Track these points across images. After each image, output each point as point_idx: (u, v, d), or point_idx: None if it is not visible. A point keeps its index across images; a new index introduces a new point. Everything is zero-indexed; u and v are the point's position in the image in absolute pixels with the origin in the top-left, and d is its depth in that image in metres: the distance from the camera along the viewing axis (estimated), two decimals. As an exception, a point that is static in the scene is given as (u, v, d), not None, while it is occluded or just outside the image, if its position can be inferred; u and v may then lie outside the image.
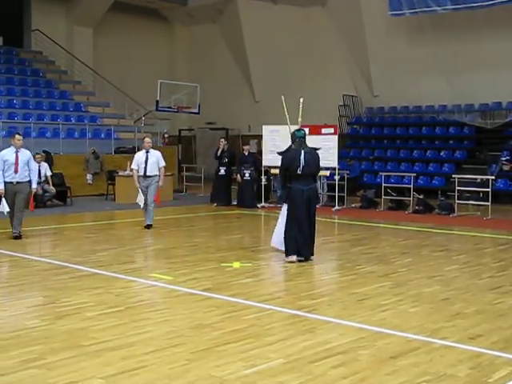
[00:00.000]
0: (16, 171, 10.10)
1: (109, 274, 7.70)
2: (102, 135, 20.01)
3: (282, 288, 7.42)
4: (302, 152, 8.46)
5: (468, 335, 5.34)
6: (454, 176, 15.42)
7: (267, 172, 16.15)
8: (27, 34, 23.87)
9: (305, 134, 8.77)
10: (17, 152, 10.17)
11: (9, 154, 10.18)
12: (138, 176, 11.45)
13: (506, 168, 17.97)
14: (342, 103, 22.80)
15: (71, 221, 13.29)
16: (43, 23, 23.21)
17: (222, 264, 8.34)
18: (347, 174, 16.35)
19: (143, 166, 11.45)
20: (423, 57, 20.46)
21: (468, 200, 15.22)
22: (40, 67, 22.88)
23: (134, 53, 25.18)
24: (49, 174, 14.73)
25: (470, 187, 15.23)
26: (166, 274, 7.66)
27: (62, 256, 8.89)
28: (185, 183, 19.79)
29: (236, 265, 8.29)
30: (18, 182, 10.15)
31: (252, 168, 16.02)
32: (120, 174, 16.56)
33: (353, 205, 16.09)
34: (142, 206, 11.48)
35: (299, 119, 9.65)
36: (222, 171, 16.28)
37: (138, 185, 11.43)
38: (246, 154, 16.42)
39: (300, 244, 8.48)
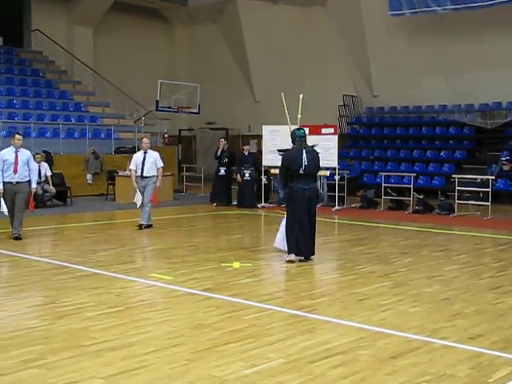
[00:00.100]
0: (16, 171, 10.09)
1: (109, 273, 7.70)
2: (102, 135, 20.01)
3: (282, 288, 7.42)
4: (304, 151, 8.46)
5: (468, 335, 5.34)
6: (454, 176, 15.43)
7: (267, 172, 16.15)
8: (27, 34, 23.87)
9: (304, 133, 8.76)
10: (16, 152, 10.16)
11: (8, 153, 10.17)
12: (136, 176, 11.49)
13: (506, 168, 17.97)
14: (342, 103, 22.80)
15: (71, 221, 13.29)
16: (43, 23, 23.21)
17: (222, 264, 8.34)
18: (347, 174, 16.35)
19: (140, 166, 11.48)
20: (423, 57, 20.46)
21: (468, 200, 15.22)
22: (40, 67, 22.88)
23: (134, 53, 25.17)
24: (49, 173, 14.73)
25: (469, 187, 15.23)
26: (166, 274, 7.66)
27: (62, 256, 8.89)
28: (185, 183, 19.79)
29: (236, 265, 8.29)
30: (17, 182, 10.13)
31: (252, 168, 16.03)
32: (120, 174, 16.55)
33: (353, 205, 16.09)
34: (138, 205, 11.52)
35: (298, 116, 9.64)
36: (222, 171, 16.27)
37: (135, 185, 11.48)
38: (246, 154, 16.42)
39: (301, 244, 8.48)
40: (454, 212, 14.49)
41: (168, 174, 17.06)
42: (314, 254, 8.64)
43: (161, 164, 11.73)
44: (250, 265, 8.37)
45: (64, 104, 21.10)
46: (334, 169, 15.24)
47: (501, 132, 19.30)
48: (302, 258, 8.53)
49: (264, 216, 14.71)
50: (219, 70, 26.13)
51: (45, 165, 14.85)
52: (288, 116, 9.97)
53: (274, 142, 15.26)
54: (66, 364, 4.55)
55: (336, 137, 15.07)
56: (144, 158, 11.52)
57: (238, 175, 16.00)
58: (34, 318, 5.81)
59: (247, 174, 15.95)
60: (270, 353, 4.83)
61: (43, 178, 14.51)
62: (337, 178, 15.38)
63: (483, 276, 7.92)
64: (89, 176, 18.13)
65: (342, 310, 6.15)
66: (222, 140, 17.00)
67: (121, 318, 5.74)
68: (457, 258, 9.20)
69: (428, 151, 20.61)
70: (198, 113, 22.59)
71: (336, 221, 13.83)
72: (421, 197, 15.28)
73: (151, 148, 12.00)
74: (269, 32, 24.11)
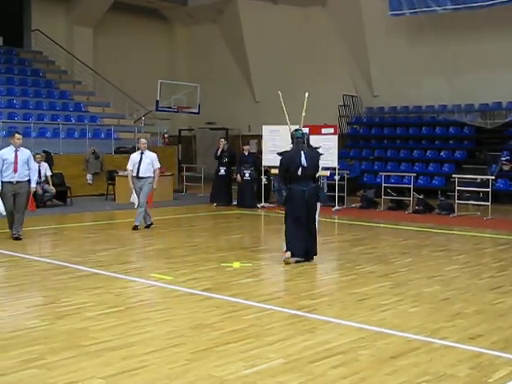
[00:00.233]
0: (15, 170, 10.07)
1: (109, 273, 7.70)
2: (102, 135, 20.01)
3: (281, 288, 7.42)
4: (302, 153, 8.42)
5: (468, 335, 5.34)
6: (454, 176, 15.42)
7: (267, 172, 16.15)
8: (27, 34, 23.87)
9: (303, 133, 8.69)
10: (16, 151, 10.15)
11: (8, 153, 10.15)
12: (132, 176, 11.50)
13: (506, 168, 17.97)
14: (342, 103, 22.80)
15: (71, 221, 13.29)
16: (43, 23, 23.21)
17: (222, 264, 8.34)
18: (347, 174, 16.35)
19: (137, 166, 11.48)
20: (423, 57, 20.46)
21: (468, 200, 15.22)
22: (40, 67, 22.88)
23: (134, 53, 25.17)
24: (49, 173, 14.72)
25: (469, 187, 15.23)
26: (166, 274, 7.66)
27: (62, 256, 8.88)
28: (185, 183, 19.79)
29: (236, 265, 8.29)
30: (17, 182, 10.12)
31: (252, 168, 16.03)
32: (120, 173, 16.54)
33: (353, 205, 16.09)
34: (135, 205, 11.53)
35: (303, 114, 9.62)
36: (222, 171, 16.27)
37: (131, 185, 11.48)
38: (246, 153, 16.42)
39: (302, 244, 8.45)
40: (454, 212, 14.49)
41: (168, 174, 17.09)
42: (316, 254, 8.60)
43: (157, 165, 11.70)
44: (250, 265, 8.37)
45: (64, 104, 21.10)
46: (334, 169, 15.24)
47: (501, 132, 19.30)
48: (303, 259, 8.50)
49: (264, 216, 14.71)
50: (219, 70, 26.13)
51: (45, 165, 14.84)
52: (287, 114, 9.97)
53: (274, 142, 15.25)
54: (65, 364, 4.55)
55: (336, 137, 15.07)
56: (140, 159, 11.52)
57: (238, 175, 16.00)
58: (34, 317, 5.81)
59: (247, 174, 15.95)
60: (269, 353, 4.83)
61: (43, 178, 14.50)
62: (337, 178, 15.37)
63: (483, 276, 7.92)
64: (89, 176, 18.13)
65: (342, 310, 6.15)
66: (222, 140, 17.00)
67: (121, 318, 5.74)
68: (457, 258, 9.20)
69: (428, 151, 20.61)
70: (198, 113, 22.59)
71: (336, 221, 13.83)
72: (421, 197, 15.28)
73: (149, 149, 12.00)
74: (269, 32, 24.11)
